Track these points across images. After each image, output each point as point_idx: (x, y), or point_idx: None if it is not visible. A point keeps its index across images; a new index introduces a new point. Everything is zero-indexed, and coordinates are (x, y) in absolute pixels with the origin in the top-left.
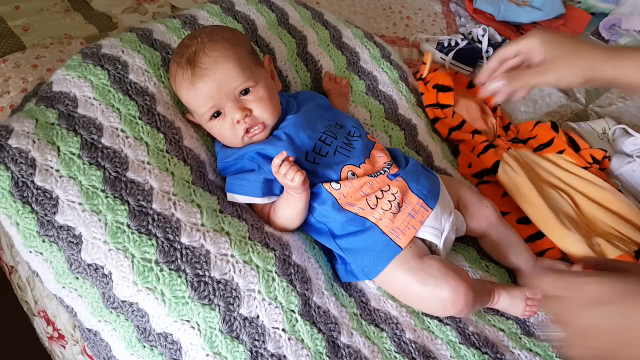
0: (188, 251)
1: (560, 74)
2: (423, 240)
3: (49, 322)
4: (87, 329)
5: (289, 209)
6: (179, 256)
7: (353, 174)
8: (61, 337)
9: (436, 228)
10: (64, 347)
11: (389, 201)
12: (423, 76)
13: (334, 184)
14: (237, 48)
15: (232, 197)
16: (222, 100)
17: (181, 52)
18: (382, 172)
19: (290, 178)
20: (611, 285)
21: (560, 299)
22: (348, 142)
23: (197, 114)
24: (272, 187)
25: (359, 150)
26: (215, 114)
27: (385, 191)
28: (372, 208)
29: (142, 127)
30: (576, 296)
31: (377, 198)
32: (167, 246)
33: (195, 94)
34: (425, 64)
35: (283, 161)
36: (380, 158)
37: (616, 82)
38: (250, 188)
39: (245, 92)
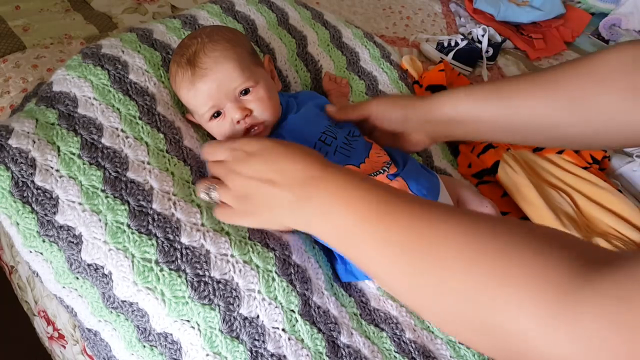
0: (188, 251)
1: (376, 107)
2: None
3: (49, 322)
4: (87, 328)
5: None
6: (179, 256)
7: None
8: (61, 337)
9: None
10: (64, 347)
11: None
12: (416, 79)
13: None
14: (237, 48)
15: None
16: (222, 100)
17: (181, 52)
18: (382, 172)
19: None
20: (263, 141)
21: (222, 160)
22: (348, 142)
23: (197, 114)
24: None
25: (359, 150)
26: (216, 114)
27: None
28: None
29: (142, 127)
30: (235, 154)
31: None
32: (167, 246)
33: (196, 94)
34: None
35: None
36: (380, 158)
37: (436, 119)
38: None
39: (246, 92)
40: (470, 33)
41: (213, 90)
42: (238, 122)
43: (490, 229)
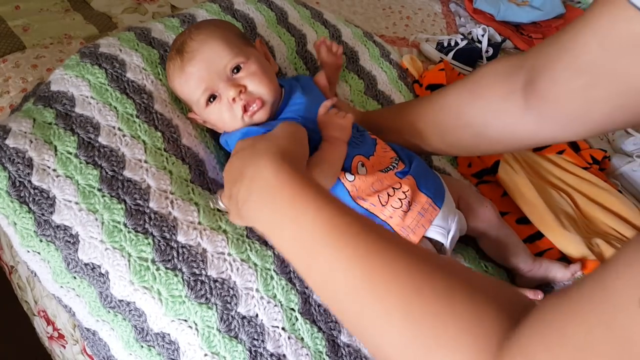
0: (184, 250)
1: (347, 105)
2: (429, 240)
3: (48, 321)
4: (85, 328)
5: (327, 164)
6: (175, 255)
7: (362, 165)
8: (61, 336)
9: (443, 227)
10: (64, 347)
11: (400, 199)
12: (416, 78)
13: (347, 175)
14: (223, 30)
15: None
16: (214, 80)
17: (172, 47)
18: (391, 168)
19: (342, 115)
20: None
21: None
22: (356, 133)
23: (194, 104)
24: None
25: (367, 143)
26: (211, 99)
27: (396, 189)
28: (382, 205)
29: (139, 126)
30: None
31: (388, 195)
32: (164, 245)
33: (187, 80)
34: (408, 69)
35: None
36: (386, 153)
37: (379, 126)
38: None
39: (237, 69)
40: (470, 33)
41: (203, 72)
42: (234, 99)
43: (430, 270)
